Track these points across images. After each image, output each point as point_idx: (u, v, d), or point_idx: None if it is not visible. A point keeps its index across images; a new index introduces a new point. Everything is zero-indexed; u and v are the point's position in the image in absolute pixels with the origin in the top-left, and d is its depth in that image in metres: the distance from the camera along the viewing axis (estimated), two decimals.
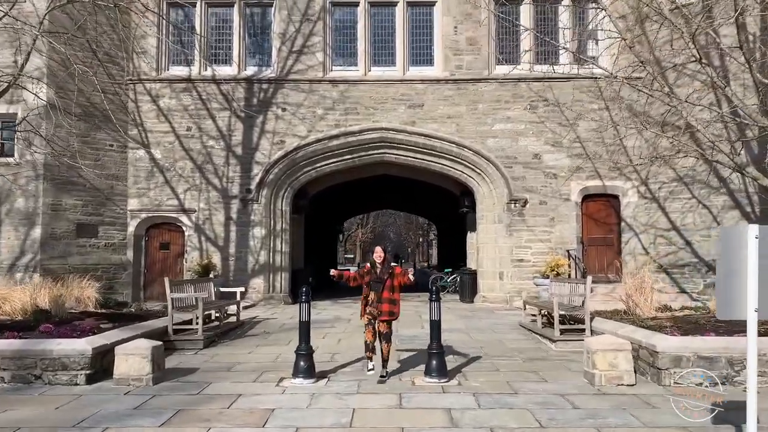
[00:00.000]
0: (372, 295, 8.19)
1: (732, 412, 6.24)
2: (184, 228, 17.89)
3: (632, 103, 17.47)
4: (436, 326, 8.18)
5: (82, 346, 8.18)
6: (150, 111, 17.94)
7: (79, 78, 16.92)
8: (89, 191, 17.06)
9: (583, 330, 10.69)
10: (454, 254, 27.10)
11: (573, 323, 11.42)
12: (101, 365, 8.29)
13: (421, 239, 75.07)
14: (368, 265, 8.30)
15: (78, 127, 16.86)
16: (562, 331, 10.66)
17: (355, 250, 71.12)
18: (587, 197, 17.88)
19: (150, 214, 17.84)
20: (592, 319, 10.63)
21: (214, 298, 13.20)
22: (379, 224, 72.23)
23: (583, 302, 10.87)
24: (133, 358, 7.98)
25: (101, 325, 9.92)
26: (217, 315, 13.03)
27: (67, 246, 16.62)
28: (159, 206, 17.81)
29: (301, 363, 8.06)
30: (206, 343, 10.75)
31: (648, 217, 17.30)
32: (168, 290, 10.83)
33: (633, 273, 17.38)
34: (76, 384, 7.97)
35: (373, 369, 8.27)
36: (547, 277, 16.19)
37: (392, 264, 8.39)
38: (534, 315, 13.31)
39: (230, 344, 11.09)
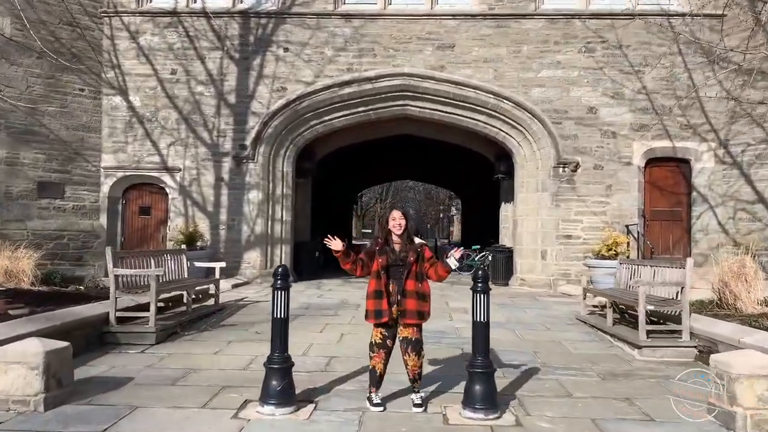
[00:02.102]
0: (391, 286, 5.30)
1: None
2: (167, 190, 15.11)
3: (711, 47, 14.21)
4: (482, 331, 5.27)
5: None
6: (128, 50, 15.07)
7: (42, 7, 14.17)
8: (54, 144, 14.31)
9: (676, 332, 7.74)
10: (481, 229, 24.09)
11: (658, 321, 8.45)
12: None
13: (441, 215, 72.01)
14: (380, 240, 5.38)
15: (40, 67, 14.12)
16: (648, 333, 7.68)
17: (374, 225, 68.40)
18: (651, 161, 14.73)
19: (128, 173, 15.08)
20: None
21: (186, 275, 10.41)
22: (398, 199, 69.24)
23: (678, 294, 7.88)
24: (16, 368, 5.19)
25: (11, 311, 7.19)
26: (193, 297, 10.29)
27: (25, 208, 13.93)
28: (138, 163, 15.03)
29: (273, 383, 5.22)
30: (162, 337, 7.96)
31: (727, 187, 14.14)
32: (110, 264, 8.03)
33: (705, 254, 14.36)
34: None
35: (381, 405, 5.37)
36: (605, 258, 13.21)
37: (419, 241, 5.46)
38: (596, 306, 10.36)
39: (195, 338, 8.30)
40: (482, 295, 5.23)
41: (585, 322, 9.65)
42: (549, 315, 10.52)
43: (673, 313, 7.95)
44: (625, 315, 9.08)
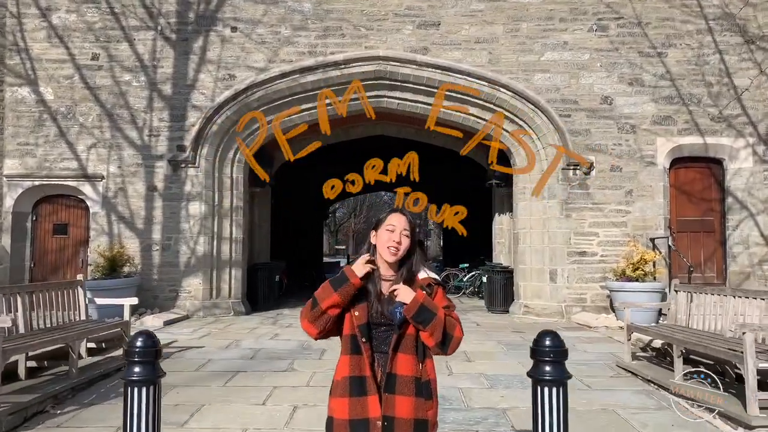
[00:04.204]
0: (364, 365, 2.56)
1: None
2: (88, 203, 12.20)
3: (746, 23, 11.92)
4: None
5: None
6: (38, 30, 12.20)
7: None
8: None
9: None
10: (468, 245, 21.44)
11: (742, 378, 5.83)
12: None
13: (417, 229, 69.23)
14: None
15: None
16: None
17: (348, 242, 65.59)
18: (676, 162, 12.29)
19: (38, 182, 12.13)
20: None
21: (84, 316, 7.54)
22: (373, 214, 66.65)
23: None
24: None
25: None
26: (93, 346, 7.47)
27: None
28: (51, 170, 12.10)
29: None
30: (14, 422, 5.11)
31: None
32: None
33: (745, 271, 11.90)
34: None
35: None
36: (631, 279, 10.71)
37: (426, 275, 2.70)
38: (647, 348, 7.77)
39: (71, 420, 5.41)
40: (554, 390, 2.54)
41: (633, 373, 7.02)
42: (579, 360, 7.84)
43: None
44: (700, 366, 6.46)
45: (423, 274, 2.70)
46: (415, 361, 2.54)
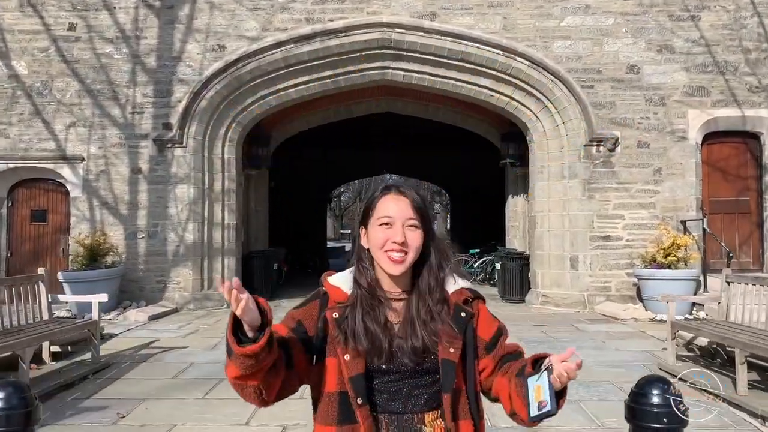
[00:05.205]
0: None
1: None
2: (68, 186, 11.24)
3: None
4: None
5: None
6: None
7: None
8: None
9: None
10: (477, 229, 20.44)
11: None
12: None
13: (431, 210, 68.39)
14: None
15: None
16: None
17: (354, 225, 64.84)
18: (709, 136, 11.21)
19: (13, 165, 11.16)
20: None
21: (47, 316, 6.59)
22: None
23: None
24: None
25: None
26: (59, 349, 6.53)
27: None
28: (26, 152, 11.14)
29: None
30: None
31: None
32: None
33: None
34: None
35: None
36: (662, 266, 9.73)
37: (460, 285, 1.69)
38: (691, 347, 6.80)
39: None
40: None
41: (680, 379, 6.02)
42: (613, 362, 6.86)
43: None
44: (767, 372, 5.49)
45: (453, 285, 1.71)
46: (474, 428, 1.58)
